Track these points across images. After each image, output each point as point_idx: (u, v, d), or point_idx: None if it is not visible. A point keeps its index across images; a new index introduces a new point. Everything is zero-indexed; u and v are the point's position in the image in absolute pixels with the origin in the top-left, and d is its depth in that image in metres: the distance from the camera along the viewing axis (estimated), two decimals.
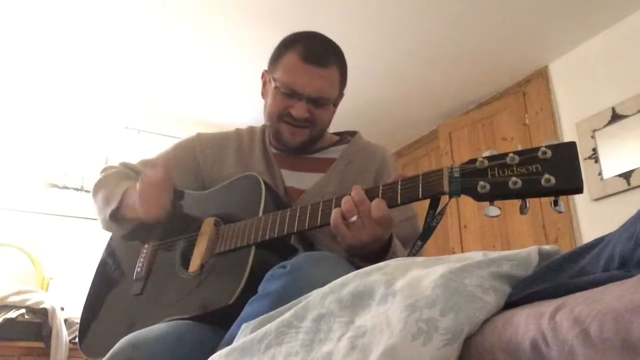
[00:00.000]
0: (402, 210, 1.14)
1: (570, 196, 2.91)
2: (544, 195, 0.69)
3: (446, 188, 0.78)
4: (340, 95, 1.22)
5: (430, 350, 0.45)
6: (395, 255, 0.97)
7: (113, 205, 1.15)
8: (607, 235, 0.52)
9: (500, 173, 0.72)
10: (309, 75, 1.12)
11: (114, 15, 2.90)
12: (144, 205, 1.08)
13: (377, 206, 0.86)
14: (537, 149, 0.69)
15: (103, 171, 1.29)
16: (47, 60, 3.34)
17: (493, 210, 0.74)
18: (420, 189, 0.82)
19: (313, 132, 1.17)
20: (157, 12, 2.87)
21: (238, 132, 1.31)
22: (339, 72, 1.17)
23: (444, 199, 0.82)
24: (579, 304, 0.40)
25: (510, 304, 0.50)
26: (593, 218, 2.82)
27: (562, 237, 2.92)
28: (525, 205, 0.73)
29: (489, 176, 0.73)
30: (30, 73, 3.47)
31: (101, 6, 2.82)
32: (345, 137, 1.29)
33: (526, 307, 0.47)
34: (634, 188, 2.60)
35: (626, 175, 2.64)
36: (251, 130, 1.31)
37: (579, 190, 0.67)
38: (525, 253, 0.56)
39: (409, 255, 0.90)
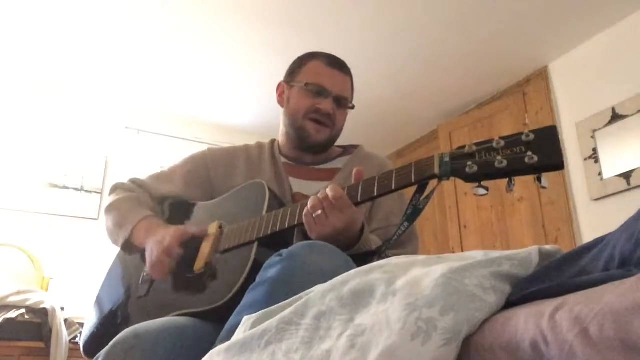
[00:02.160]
0: (403, 212, 1.15)
1: (570, 196, 2.93)
2: (528, 173, 0.74)
3: (437, 170, 0.82)
4: (352, 107, 1.32)
5: (429, 349, 0.45)
6: (367, 243, 1.02)
7: (124, 236, 1.19)
8: (607, 235, 0.52)
9: (487, 155, 0.77)
10: (335, 77, 1.26)
11: (114, 16, 2.91)
12: (155, 274, 1.11)
13: (337, 196, 0.93)
14: (521, 133, 0.75)
15: (113, 190, 1.31)
16: (47, 61, 3.34)
17: (481, 190, 0.79)
18: (413, 174, 0.87)
19: (332, 132, 1.27)
20: (157, 12, 2.87)
21: (247, 147, 1.38)
22: (351, 83, 1.30)
23: (432, 183, 0.87)
24: (578, 303, 0.40)
25: (510, 303, 0.50)
26: (593, 218, 2.82)
27: (562, 237, 2.92)
28: (511, 182, 0.78)
29: (477, 158, 0.78)
30: (30, 73, 3.48)
31: (101, 6, 2.83)
32: (349, 149, 1.37)
33: (526, 306, 0.47)
34: (634, 188, 2.61)
35: (626, 175, 2.64)
36: (260, 144, 1.38)
37: (560, 166, 0.71)
38: (525, 253, 0.56)
39: (394, 236, 0.95)
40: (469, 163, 0.78)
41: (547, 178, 0.74)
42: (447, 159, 0.82)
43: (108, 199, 1.29)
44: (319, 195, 0.96)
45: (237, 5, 2.81)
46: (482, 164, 0.77)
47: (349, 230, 0.97)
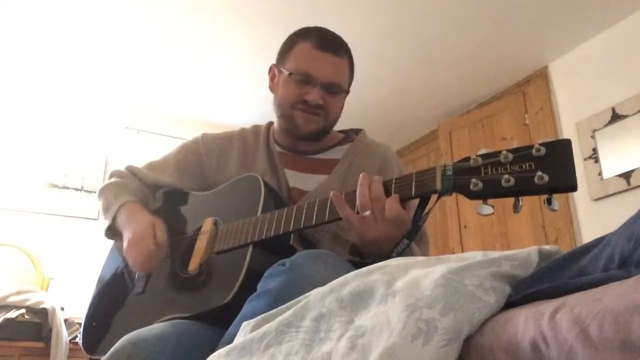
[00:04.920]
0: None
1: (570, 196, 2.92)
2: (537, 194, 0.68)
3: (438, 186, 0.77)
4: (348, 91, 1.22)
5: (430, 350, 0.45)
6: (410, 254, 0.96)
7: (107, 223, 1.18)
8: (607, 235, 0.51)
9: (494, 171, 0.71)
10: (324, 61, 1.12)
11: (114, 15, 2.90)
12: (133, 261, 1.09)
13: (391, 206, 0.84)
14: (531, 146, 0.68)
15: (109, 177, 1.31)
16: (47, 61, 3.34)
17: (486, 209, 0.74)
18: (414, 187, 0.82)
19: (326, 121, 1.16)
20: (157, 12, 2.87)
21: (242, 132, 1.30)
22: (349, 63, 1.18)
23: (434, 198, 0.82)
24: (578, 304, 0.40)
25: (510, 304, 0.50)
26: (593, 218, 2.82)
27: (562, 237, 2.92)
28: (519, 203, 0.72)
29: (482, 174, 0.72)
30: (30, 73, 3.47)
31: (101, 6, 2.82)
32: (350, 135, 1.28)
33: (526, 307, 0.47)
34: (634, 188, 2.60)
35: (626, 175, 2.64)
36: (256, 129, 1.30)
37: (572, 188, 0.66)
38: (525, 253, 0.56)
39: (394, 252, 0.89)
40: (474, 180, 0.72)
41: (557, 198, 0.68)
42: (449, 172, 0.76)
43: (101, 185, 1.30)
44: (371, 190, 0.86)
45: (237, 6, 2.81)
46: (488, 182, 0.71)
47: (394, 239, 0.88)
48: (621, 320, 0.36)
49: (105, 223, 1.20)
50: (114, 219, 1.17)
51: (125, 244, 1.10)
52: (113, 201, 1.20)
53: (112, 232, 1.20)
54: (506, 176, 0.69)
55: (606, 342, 0.36)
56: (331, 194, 0.90)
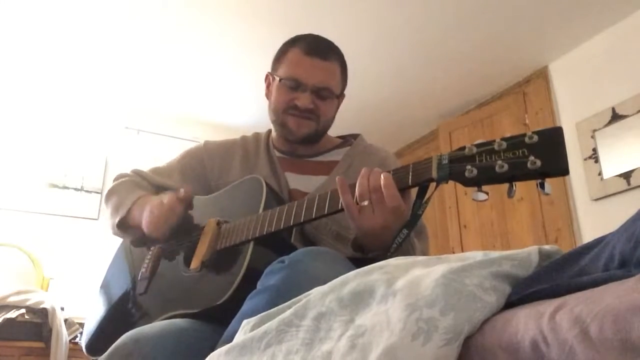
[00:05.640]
0: None
1: (570, 196, 2.92)
2: (530, 178, 0.70)
3: (434, 174, 0.79)
4: (342, 95, 1.25)
5: (430, 349, 0.45)
6: (410, 247, 0.97)
7: (121, 214, 1.19)
8: (607, 235, 0.51)
9: (488, 158, 0.73)
10: (313, 67, 1.16)
11: (114, 16, 2.91)
12: (149, 226, 1.11)
13: (391, 194, 0.85)
14: (524, 134, 0.71)
15: (116, 179, 1.32)
16: (47, 61, 3.34)
17: (481, 195, 0.76)
18: (410, 176, 0.84)
19: (318, 125, 1.19)
20: (157, 13, 2.87)
21: (244, 139, 1.33)
22: (339, 67, 1.21)
23: (430, 187, 0.83)
24: (578, 303, 0.40)
25: (510, 303, 0.50)
26: (593, 218, 2.82)
27: (562, 237, 2.92)
28: (512, 188, 0.74)
29: (477, 161, 0.74)
30: (30, 73, 3.48)
31: (101, 6, 2.83)
32: (348, 139, 1.31)
33: (526, 307, 0.47)
34: (634, 188, 2.61)
35: (626, 175, 2.64)
36: (256, 136, 1.34)
37: (564, 172, 0.68)
38: (525, 253, 0.56)
39: (394, 243, 0.90)
40: (469, 167, 0.74)
41: (549, 182, 0.70)
42: (445, 161, 0.78)
43: (109, 187, 1.31)
44: (370, 180, 0.87)
45: (236, 6, 2.81)
46: (482, 168, 0.73)
47: (393, 229, 0.88)
48: (621, 320, 0.36)
49: (116, 217, 1.20)
50: (129, 212, 1.18)
51: (148, 209, 1.11)
52: (127, 197, 1.21)
53: (124, 227, 1.21)
54: (500, 162, 0.71)
55: (606, 342, 0.36)
56: (337, 178, 0.91)
